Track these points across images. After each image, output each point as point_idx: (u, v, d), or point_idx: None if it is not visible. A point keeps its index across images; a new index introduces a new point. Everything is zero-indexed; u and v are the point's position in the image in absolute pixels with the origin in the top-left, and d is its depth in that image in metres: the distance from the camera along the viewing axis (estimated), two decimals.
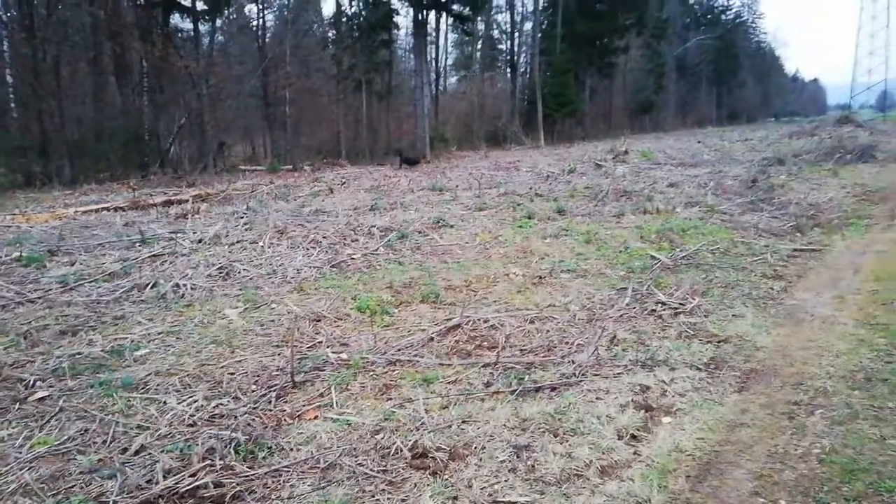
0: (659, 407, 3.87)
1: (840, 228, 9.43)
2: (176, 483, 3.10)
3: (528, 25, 44.29)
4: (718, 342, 4.94)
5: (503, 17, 46.00)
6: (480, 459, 3.31)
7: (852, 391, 3.97)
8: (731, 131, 45.75)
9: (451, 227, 10.08)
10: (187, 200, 12.91)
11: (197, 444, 3.45)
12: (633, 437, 3.51)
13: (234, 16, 28.36)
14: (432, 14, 33.30)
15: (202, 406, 3.99)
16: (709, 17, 73.18)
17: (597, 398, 3.97)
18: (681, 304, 5.86)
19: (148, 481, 3.14)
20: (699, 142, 31.72)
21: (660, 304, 5.87)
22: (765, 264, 7.37)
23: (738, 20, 78.91)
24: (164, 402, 4.05)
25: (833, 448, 3.32)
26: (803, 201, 11.55)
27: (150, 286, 6.70)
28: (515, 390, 4.09)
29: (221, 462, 3.29)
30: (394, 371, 4.53)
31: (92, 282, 6.90)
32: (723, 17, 75.18)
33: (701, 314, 5.62)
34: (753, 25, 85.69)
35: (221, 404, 4.02)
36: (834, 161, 17.85)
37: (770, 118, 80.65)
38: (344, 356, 4.77)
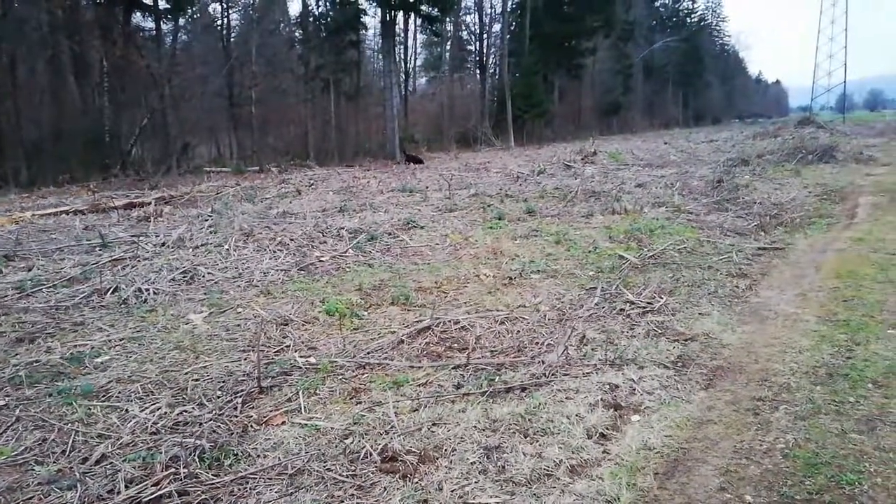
0: (628, 405, 3.89)
1: (802, 227, 9.67)
2: (138, 493, 3.02)
3: (497, 27, 44.53)
4: (685, 340, 5.00)
5: (472, 19, 46.12)
6: (451, 461, 3.29)
7: (814, 386, 4.06)
8: (697, 132, 46.74)
9: (422, 228, 10.04)
10: (150, 203, 12.60)
11: (160, 453, 3.36)
12: (603, 435, 3.53)
13: (198, 15, 27.85)
14: (401, 15, 33.24)
15: (165, 413, 3.88)
16: (674, 19, 74.65)
17: (566, 398, 3.99)
18: (648, 303, 5.92)
19: (109, 491, 3.05)
20: (666, 143, 32.28)
21: (628, 304, 5.93)
22: (730, 263, 7.50)
23: (703, 23, 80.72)
24: (126, 410, 3.93)
25: (796, 443, 3.38)
26: (767, 201, 11.82)
27: (110, 291, 6.52)
28: (486, 391, 4.08)
29: (185, 470, 3.21)
30: (363, 374, 4.48)
31: (50, 287, 6.69)
32: (688, 20, 76.78)
33: (668, 313, 5.69)
34: (717, 28, 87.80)
35: (185, 411, 3.92)
36: (796, 161, 18.35)
37: (734, 119, 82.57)
38: (312, 360, 4.70)
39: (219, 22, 29.28)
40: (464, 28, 46.22)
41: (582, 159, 21.12)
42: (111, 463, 3.31)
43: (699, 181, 14.81)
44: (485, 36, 45.35)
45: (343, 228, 9.46)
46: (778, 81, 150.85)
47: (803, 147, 20.30)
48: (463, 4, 42.61)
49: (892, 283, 6.29)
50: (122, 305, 6.20)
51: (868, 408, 3.72)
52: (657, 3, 73.42)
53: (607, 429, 3.59)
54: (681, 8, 76.75)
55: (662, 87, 69.10)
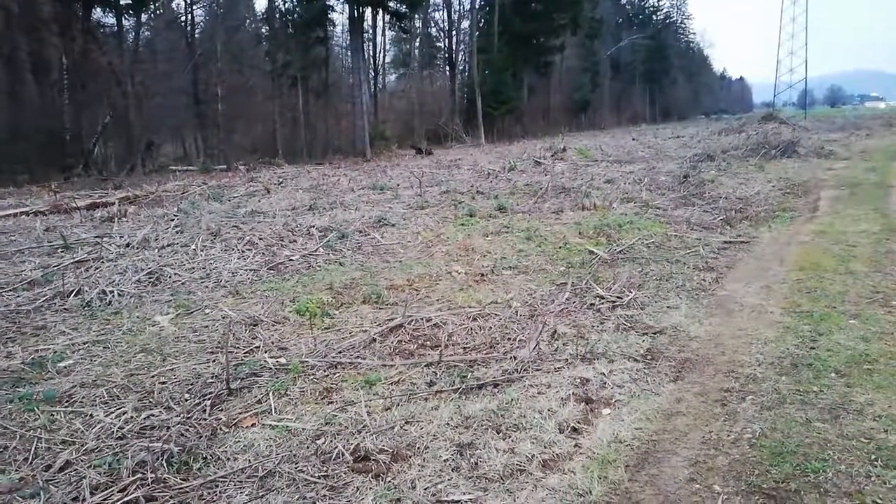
0: (599, 399, 3.93)
1: (767, 221, 9.87)
2: (104, 499, 2.97)
3: (466, 24, 44.57)
4: (654, 334, 5.07)
5: (441, 15, 46.16)
6: (424, 459, 3.28)
7: (780, 377, 4.14)
8: (664, 128, 47.43)
9: (393, 226, 10.00)
10: (114, 203, 12.30)
11: (126, 458, 3.29)
12: (574, 429, 3.56)
13: (161, 11, 27.29)
14: (369, 11, 32.98)
15: (132, 418, 3.80)
16: (640, 17, 75.70)
17: (538, 393, 4.01)
18: (618, 297, 5.99)
19: (74, 499, 3.00)
20: (634, 139, 32.71)
21: (598, 298, 5.98)
22: (697, 257, 7.63)
23: (668, 20, 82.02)
24: (91, 415, 3.85)
25: (763, 432, 3.45)
26: (732, 195, 12.05)
27: (73, 294, 6.36)
28: (458, 388, 4.08)
29: (153, 475, 3.15)
30: (335, 374, 4.44)
31: (10, 291, 6.49)
32: (654, 17, 77.93)
33: (637, 307, 5.76)
34: (682, 26, 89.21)
35: (152, 415, 3.84)
36: (760, 156, 18.74)
37: (700, 115, 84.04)
38: (282, 360, 4.64)
39: (183, 18, 28.76)
40: (433, 25, 46.26)
41: (552, 156, 21.25)
42: (76, 470, 3.24)
43: (666, 177, 15.03)
44: (454, 33, 45.43)
45: (313, 227, 9.37)
46: (742, 78, 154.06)
47: (767, 142, 20.75)
48: (431, 1, 42.66)
49: (852, 275, 6.47)
50: (86, 308, 6.05)
51: (831, 397, 3.81)
52: (623, 1, 74.40)
53: (579, 423, 3.62)
54: (647, 6, 78.00)
55: (630, 84, 70.05)
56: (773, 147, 19.99)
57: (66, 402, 4.06)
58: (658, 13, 79.64)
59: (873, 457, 3.16)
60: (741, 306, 5.73)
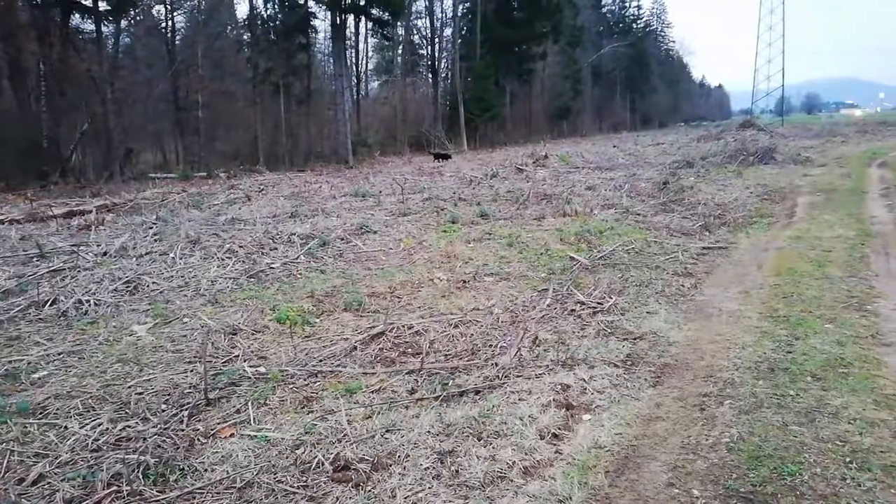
0: (579, 405, 3.95)
1: (744, 227, 10.01)
2: None
3: (449, 31, 44.74)
4: (634, 339, 5.11)
5: (423, 23, 46.19)
6: (404, 468, 3.26)
7: (757, 381, 4.19)
8: (644, 135, 47.99)
9: (375, 233, 9.97)
10: (91, 211, 12.12)
11: (101, 470, 3.24)
12: (555, 435, 3.57)
13: (141, 17, 27.03)
14: (351, 18, 33.01)
15: (107, 429, 3.74)
16: (621, 25, 76.55)
17: (520, 399, 4.01)
18: (599, 303, 6.03)
19: None
20: (615, 146, 33.01)
21: (579, 304, 6.02)
22: (676, 262, 7.70)
23: (648, 29, 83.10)
24: (65, 427, 3.78)
25: (740, 436, 3.49)
26: (711, 201, 12.20)
27: (49, 303, 6.24)
28: (440, 396, 4.07)
29: (128, 488, 3.11)
30: (315, 383, 4.41)
31: None
32: (634, 25, 78.85)
33: (618, 312, 5.80)
34: (662, 34, 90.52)
35: (129, 426, 3.78)
36: (738, 163, 19.02)
37: (680, 123, 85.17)
38: (262, 370, 4.60)
39: (163, 24, 28.50)
40: (415, 32, 46.27)
41: (534, 162, 21.36)
42: (49, 483, 3.18)
43: (646, 183, 15.17)
44: (436, 40, 45.59)
45: (294, 234, 9.30)
46: (720, 85, 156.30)
47: (745, 149, 21.07)
48: (414, 8, 42.78)
49: (828, 280, 6.57)
50: (62, 318, 5.94)
51: (807, 400, 3.86)
52: (604, 10, 75.24)
53: (559, 429, 3.63)
54: (627, 14, 78.95)
55: (611, 92, 70.76)
56: (751, 154, 20.30)
57: (40, 413, 3.98)
58: (638, 21, 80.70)
59: (848, 459, 3.20)
60: (719, 311, 5.79)
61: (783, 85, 69.76)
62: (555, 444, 3.48)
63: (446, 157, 27.04)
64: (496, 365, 4.58)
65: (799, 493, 2.96)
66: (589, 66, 61.16)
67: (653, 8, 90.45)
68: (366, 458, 3.35)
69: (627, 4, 78.85)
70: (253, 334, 5.47)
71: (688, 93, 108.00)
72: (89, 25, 23.12)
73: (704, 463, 3.27)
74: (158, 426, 3.76)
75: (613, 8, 78.07)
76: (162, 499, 3.04)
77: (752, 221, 10.42)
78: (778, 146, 22.49)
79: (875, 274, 6.72)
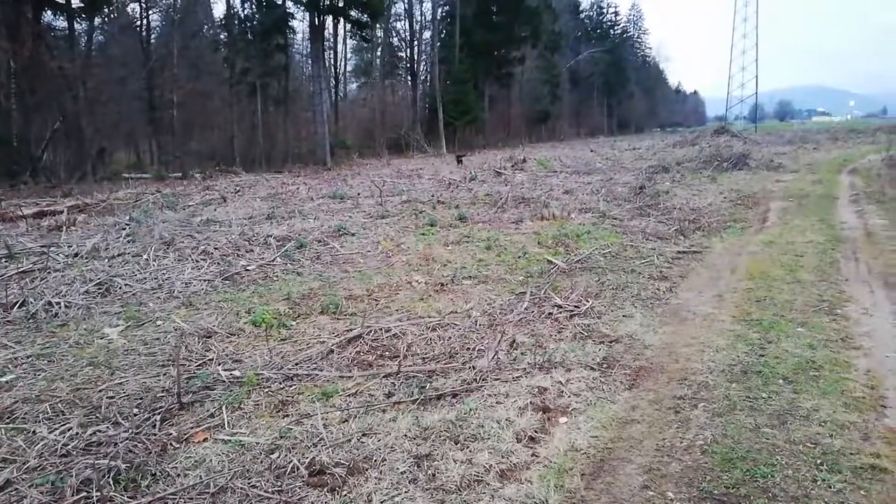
0: (556, 408, 3.96)
1: (718, 231, 10.15)
2: None
3: (428, 34, 44.80)
4: (610, 342, 5.14)
5: (402, 25, 46.20)
6: (381, 472, 3.24)
7: (731, 384, 4.24)
8: (621, 140, 48.53)
9: (353, 235, 9.92)
10: (62, 211, 11.86)
11: (71, 476, 3.17)
12: (532, 438, 3.57)
13: (115, 15, 26.61)
14: (330, 19, 32.86)
15: (77, 434, 3.66)
16: (598, 31, 77.46)
17: (497, 402, 4.01)
18: (575, 306, 6.06)
19: None
20: (592, 151, 33.32)
21: (556, 308, 6.04)
22: (652, 266, 7.78)
23: (625, 35, 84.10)
24: (34, 432, 3.69)
25: (714, 439, 3.53)
26: (686, 206, 12.36)
27: (17, 305, 6.09)
28: (417, 399, 4.05)
29: (98, 493, 3.04)
30: (291, 386, 4.36)
31: None
32: (611, 31, 79.81)
33: (594, 316, 5.83)
34: (639, 41, 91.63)
35: (99, 431, 3.70)
36: (713, 168, 19.32)
37: (656, 128, 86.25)
38: (237, 373, 4.54)
39: (138, 23, 28.10)
40: (394, 34, 46.24)
41: (512, 166, 21.46)
42: (16, 489, 3.11)
43: (623, 187, 15.32)
44: (415, 43, 45.62)
45: (271, 236, 9.21)
46: (696, 92, 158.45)
47: (719, 155, 21.44)
48: (393, 11, 42.74)
49: (800, 284, 6.69)
50: (30, 320, 5.81)
51: (779, 403, 3.92)
52: (582, 16, 75.99)
53: (536, 432, 3.64)
54: (605, 20, 79.88)
55: (588, 97, 71.42)
56: (726, 159, 20.65)
57: (8, 418, 3.88)
58: (615, 27, 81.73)
59: (819, 461, 3.26)
60: (694, 315, 5.86)
61: (757, 92, 71.24)
62: (531, 448, 3.49)
63: (462, 157, 27.29)
64: (474, 368, 4.57)
65: (771, 495, 3.00)
66: (567, 72, 61.67)
67: (630, 14, 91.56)
68: (342, 462, 3.32)
69: (605, 10, 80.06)
70: (228, 337, 5.39)
71: (664, 98, 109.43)
72: (62, 22, 22.73)
73: (679, 465, 3.30)
74: (130, 431, 3.68)
75: (591, 14, 79.10)
76: None
77: (726, 226, 10.57)
78: (751, 152, 22.90)
79: (845, 278, 6.86)
